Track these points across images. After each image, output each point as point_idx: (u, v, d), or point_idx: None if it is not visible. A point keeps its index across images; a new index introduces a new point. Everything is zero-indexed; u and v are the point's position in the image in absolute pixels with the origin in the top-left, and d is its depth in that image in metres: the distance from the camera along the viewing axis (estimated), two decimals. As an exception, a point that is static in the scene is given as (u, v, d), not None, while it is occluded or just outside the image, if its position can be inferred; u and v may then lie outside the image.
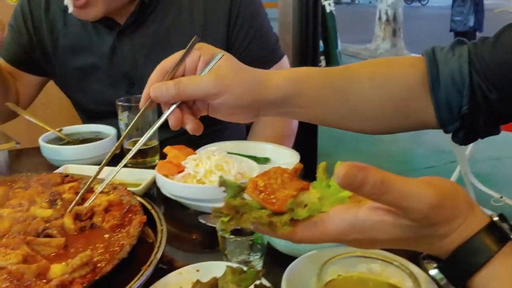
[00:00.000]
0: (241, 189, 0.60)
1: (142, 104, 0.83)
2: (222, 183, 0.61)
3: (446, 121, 0.84)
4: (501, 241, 0.53)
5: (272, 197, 0.57)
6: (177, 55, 0.81)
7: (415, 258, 0.68)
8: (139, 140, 1.28)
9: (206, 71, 0.79)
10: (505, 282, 0.52)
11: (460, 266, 0.54)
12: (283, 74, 0.84)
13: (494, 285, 0.53)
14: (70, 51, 1.48)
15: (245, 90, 0.79)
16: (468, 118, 0.81)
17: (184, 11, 1.44)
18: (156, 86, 0.79)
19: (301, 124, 1.56)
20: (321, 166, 0.60)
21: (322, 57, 4.32)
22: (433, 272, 0.56)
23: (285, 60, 1.56)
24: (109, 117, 1.41)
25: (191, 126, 0.82)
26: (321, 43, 4.08)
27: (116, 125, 1.36)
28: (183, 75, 0.81)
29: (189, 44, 0.80)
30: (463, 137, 0.85)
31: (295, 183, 0.58)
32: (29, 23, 1.49)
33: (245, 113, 0.83)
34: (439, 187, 0.51)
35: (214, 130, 1.47)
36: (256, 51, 1.47)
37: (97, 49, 1.46)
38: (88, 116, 1.60)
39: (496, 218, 0.55)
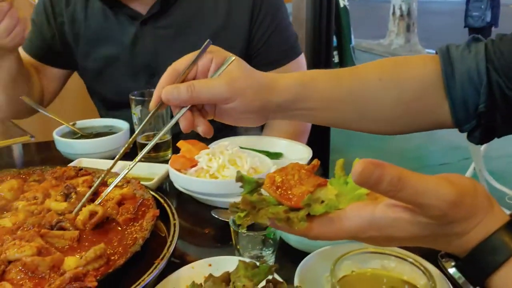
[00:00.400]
0: (258, 184, 0.60)
1: (152, 106, 0.81)
2: (239, 178, 0.60)
3: (462, 120, 0.83)
4: None
5: (289, 193, 0.56)
6: (189, 57, 0.80)
7: (430, 255, 0.68)
8: (151, 134, 1.30)
9: (217, 74, 0.78)
10: None
11: (478, 264, 0.53)
12: (292, 77, 0.83)
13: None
14: (92, 43, 1.50)
15: (256, 94, 0.78)
16: (485, 117, 0.80)
17: (208, 0, 1.44)
18: (168, 89, 0.77)
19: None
20: (339, 163, 0.60)
21: (335, 52, 4.29)
22: (452, 270, 0.55)
23: (303, 58, 1.56)
24: (128, 107, 1.42)
25: (203, 128, 0.81)
26: (334, 38, 4.05)
27: None
28: (194, 78, 0.80)
29: (202, 47, 0.79)
30: (479, 136, 0.84)
31: (312, 179, 0.57)
32: (51, 17, 1.51)
33: (253, 118, 0.82)
34: (457, 184, 0.51)
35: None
36: (275, 45, 1.47)
37: (118, 40, 1.47)
38: (107, 107, 1.61)
39: None
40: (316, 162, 0.63)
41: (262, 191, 0.59)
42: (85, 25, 1.49)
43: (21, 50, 1.51)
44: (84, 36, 1.50)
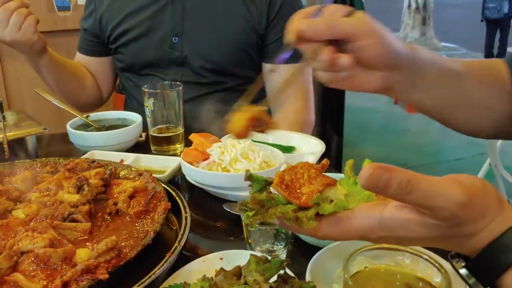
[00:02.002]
0: (267, 183, 0.59)
1: (289, 38, 0.74)
2: (248, 177, 0.60)
3: None
4: None
5: (298, 191, 0.56)
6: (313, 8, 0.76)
7: (444, 252, 0.67)
8: (164, 127, 1.30)
9: None
10: None
11: (489, 264, 0.52)
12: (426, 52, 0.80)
13: None
14: (126, 14, 1.56)
15: (384, 37, 0.73)
16: None
17: None
18: (303, 20, 0.71)
19: (327, 112, 1.55)
20: (348, 164, 0.59)
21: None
22: (462, 271, 0.55)
23: None
24: (148, 76, 1.53)
25: (345, 59, 0.73)
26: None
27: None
28: None
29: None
30: None
31: (321, 179, 0.57)
32: (96, 4, 1.62)
33: (379, 74, 0.76)
34: (467, 185, 0.50)
35: None
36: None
37: (150, 6, 1.54)
38: (129, 78, 1.65)
39: None
40: (325, 161, 0.62)
41: (271, 189, 0.59)
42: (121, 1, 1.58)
43: (78, 54, 1.71)
44: (119, 10, 1.57)
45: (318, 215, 0.54)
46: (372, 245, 0.61)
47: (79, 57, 1.71)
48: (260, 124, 0.71)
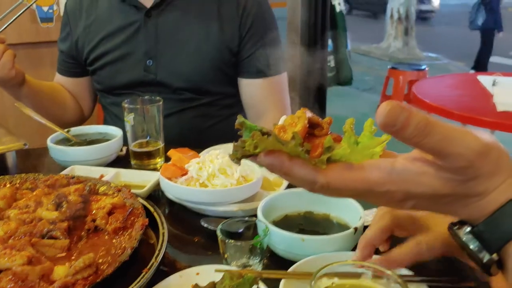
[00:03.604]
0: (262, 133, 0.51)
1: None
2: (240, 124, 0.53)
3: None
4: None
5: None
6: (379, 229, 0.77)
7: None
8: (144, 142, 1.32)
9: None
10: None
11: (499, 228, 0.50)
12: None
13: None
14: (99, 39, 1.58)
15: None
16: None
17: (205, 2, 1.53)
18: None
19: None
20: (349, 122, 0.53)
21: (331, 57, 4.31)
22: (466, 237, 0.52)
23: (285, 76, 1.64)
24: (125, 94, 1.55)
25: None
26: (330, 43, 4.07)
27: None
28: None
29: None
30: None
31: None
32: (71, 27, 1.64)
33: None
34: (484, 137, 0.48)
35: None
36: (261, 58, 1.56)
37: (123, 30, 1.56)
38: (106, 96, 1.67)
39: None
40: (329, 119, 0.56)
41: None
42: (95, 24, 1.59)
43: (57, 74, 1.73)
44: (94, 34, 1.59)
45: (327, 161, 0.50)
46: (340, 261, 0.63)
47: (59, 77, 1.73)
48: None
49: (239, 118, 0.53)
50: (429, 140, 0.46)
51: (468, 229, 0.52)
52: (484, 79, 3.26)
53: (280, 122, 0.54)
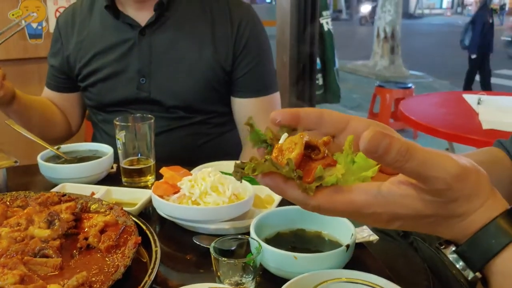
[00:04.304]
0: (264, 141, 0.61)
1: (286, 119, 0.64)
2: (250, 124, 0.60)
3: None
4: None
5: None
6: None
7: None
8: (135, 159, 1.32)
9: None
10: None
11: (480, 248, 0.53)
12: None
13: None
14: (92, 56, 1.59)
15: None
16: None
17: (199, 21, 1.55)
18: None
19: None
20: (348, 140, 0.57)
21: (319, 75, 4.36)
22: (451, 256, 0.55)
23: (278, 96, 1.66)
24: (117, 112, 1.54)
25: None
26: (318, 61, 4.11)
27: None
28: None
29: None
30: None
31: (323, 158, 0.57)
32: (62, 43, 1.65)
33: None
34: (462, 161, 0.51)
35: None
36: (255, 77, 1.59)
37: (116, 47, 1.56)
38: (97, 112, 1.67)
39: None
40: (327, 139, 0.60)
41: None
42: (87, 40, 1.60)
43: (46, 89, 1.73)
44: (86, 50, 1.59)
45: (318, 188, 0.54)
46: (334, 278, 0.64)
47: (48, 92, 1.72)
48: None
49: (249, 119, 0.60)
50: (410, 165, 0.49)
51: (453, 249, 0.55)
52: (469, 98, 3.32)
53: (281, 141, 0.57)
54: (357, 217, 0.56)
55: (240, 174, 0.56)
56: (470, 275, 0.55)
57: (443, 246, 0.57)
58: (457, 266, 0.55)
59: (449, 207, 0.52)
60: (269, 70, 1.63)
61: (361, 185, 0.54)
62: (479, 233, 0.53)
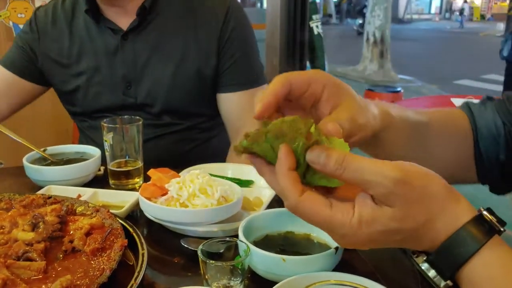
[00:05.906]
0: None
1: (260, 114, 0.65)
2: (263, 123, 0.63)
3: (485, 171, 0.89)
4: (490, 232, 0.54)
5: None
6: (305, 75, 0.69)
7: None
8: (123, 161, 1.30)
9: None
10: (495, 269, 0.53)
11: (449, 257, 0.55)
12: (378, 106, 0.78)
13: (484, 273, 0.53)
14: (76, 58, 1.56)
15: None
16: (506, 166, 0.86)
17: (181, 21, 1.52)
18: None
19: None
20: (312, 129, 0.58)
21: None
22: (423, 265, 0.57)
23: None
24: (104, 118, 1.47)
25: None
26: (308, 65, 4.12)
27: None
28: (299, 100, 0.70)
29: None
30: (502, 186, 0.89)
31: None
32: (36, 36, 1.59)
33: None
34: (406, 167, 0.54)
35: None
36: (241, 70, 1.56)
37: (100, 52, 1.53)
38: (83, 119, 1.64)
39: (484, 212, 0.56)
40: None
41: None
42: (70, 41, 1.56)
43: None
44: (68, 52, 1.56)
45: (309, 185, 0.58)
46: (323, 281, 0.63)
47: None
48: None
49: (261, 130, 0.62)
50: (348, 172, 0.53)
51: (424, 258, 0.57)
52: (457, 102, 3.35)
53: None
54: (329, 233, 0.58)
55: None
56: (441, 283, 0.57)
57: (416, 255, 0.59)
58: (429, 274, 0.57)
59: (409, 216, 0.54)
60: (256, 62, 1.60)
61: (341, 205, 0.56)
62: (446, 242, 0.55)
